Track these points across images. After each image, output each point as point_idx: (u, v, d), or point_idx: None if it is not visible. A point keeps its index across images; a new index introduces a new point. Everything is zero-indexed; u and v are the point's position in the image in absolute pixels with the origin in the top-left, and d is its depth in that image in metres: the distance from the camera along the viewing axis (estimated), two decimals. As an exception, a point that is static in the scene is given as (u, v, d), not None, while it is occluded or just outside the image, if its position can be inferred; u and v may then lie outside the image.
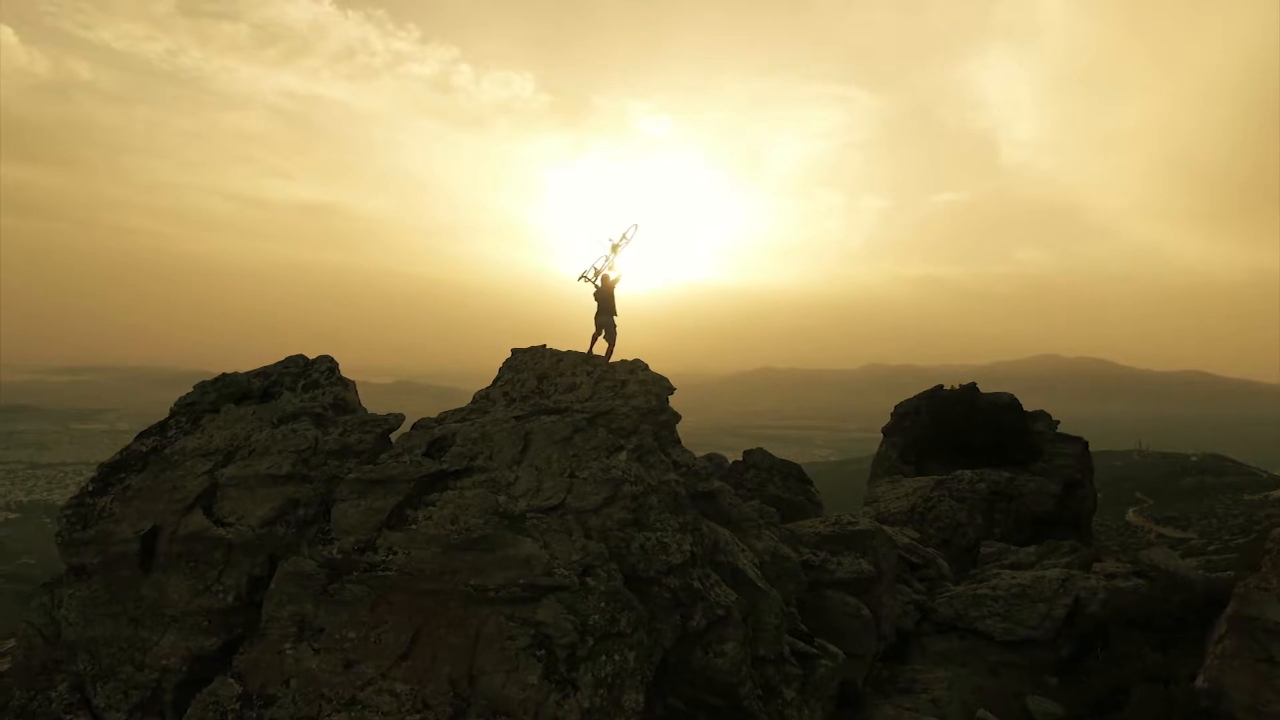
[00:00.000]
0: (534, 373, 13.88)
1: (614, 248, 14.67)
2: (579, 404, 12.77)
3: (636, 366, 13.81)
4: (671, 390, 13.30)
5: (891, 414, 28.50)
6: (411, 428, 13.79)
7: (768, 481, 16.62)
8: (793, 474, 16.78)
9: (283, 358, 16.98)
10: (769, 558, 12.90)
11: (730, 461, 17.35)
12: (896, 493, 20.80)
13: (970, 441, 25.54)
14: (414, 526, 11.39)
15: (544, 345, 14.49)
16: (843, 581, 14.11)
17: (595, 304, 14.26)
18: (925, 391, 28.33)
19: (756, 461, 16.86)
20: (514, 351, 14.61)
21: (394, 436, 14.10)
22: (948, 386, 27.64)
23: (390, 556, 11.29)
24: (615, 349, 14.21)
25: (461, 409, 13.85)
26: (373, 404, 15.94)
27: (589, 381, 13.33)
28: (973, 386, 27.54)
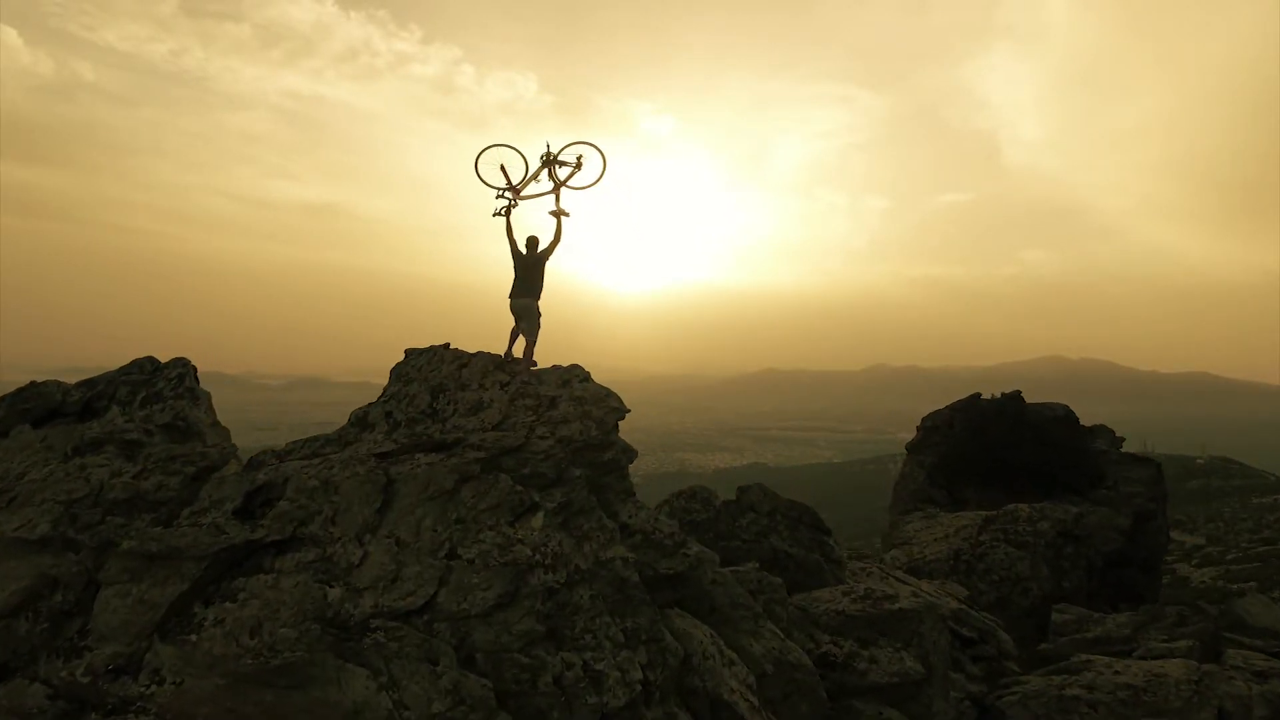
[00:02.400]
0: (427, 385, 9.50)
1: (548, 162, 10.31)
2: (481, 433, 8.40)
3: (572, 376, 9.42)
4: (623, 413, 8.91)
5: (919, 427, 24.08)
6: (245, 465, 9.44)
7: (770, 531, 12.24)
8: (804, 520, 12.41)
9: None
10: (771, 666, 8.52)
11: (720, 501, 13.01)
12: (934, 533, 16.46)
13: (1013, 461, 21.20)
14: (194, 638, 7.05)
15: (447, 345, 10.13)
16: (878, 687, 9.73)
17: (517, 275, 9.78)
18: (960, 401, 23.90)
19: (754, 503, 12.50)
20: (407, 354, 10.26)
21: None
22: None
23: (154, 688, 6.99)
24: (536, 347, 9.74)
25: (318, 439, 9.49)
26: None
27: (502, 398, 8.97)
28: (1017, 395, 23.16)
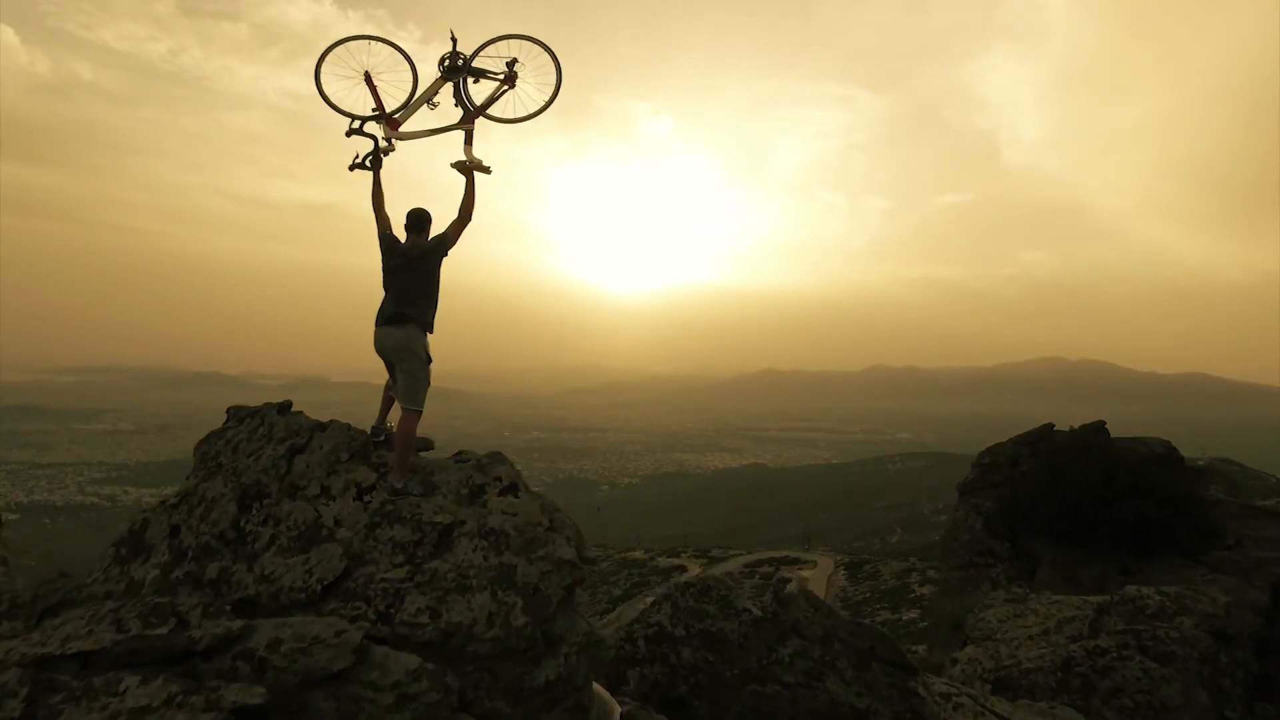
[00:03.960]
0: (237, 481, 5.22)
1: (457, 70, 5.67)
2: (288, 620, 4.14)
3: (488, 480, 4.97)
4: (580, 573, 4.43)
5: (974, 464, 19.81)
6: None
7: (825, 669, 7.92)
8: (878, 653, 8.02)
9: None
10: None
11: (745, 606, 8.56)
12: (1027, 625, 12.19)
13: (1099, 510, 17.04)
14: None
15: (286, 404, 5.77)
16: None
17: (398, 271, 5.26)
18: (1029, 433, 19.62)
19: (801, 623, 8.06)
20: (228, 414, 5.95)
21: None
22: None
23: None
24: (423, 417, 5.13)
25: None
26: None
27: (356, 519, 4.70)
28: (1100, 427, 18.97)
